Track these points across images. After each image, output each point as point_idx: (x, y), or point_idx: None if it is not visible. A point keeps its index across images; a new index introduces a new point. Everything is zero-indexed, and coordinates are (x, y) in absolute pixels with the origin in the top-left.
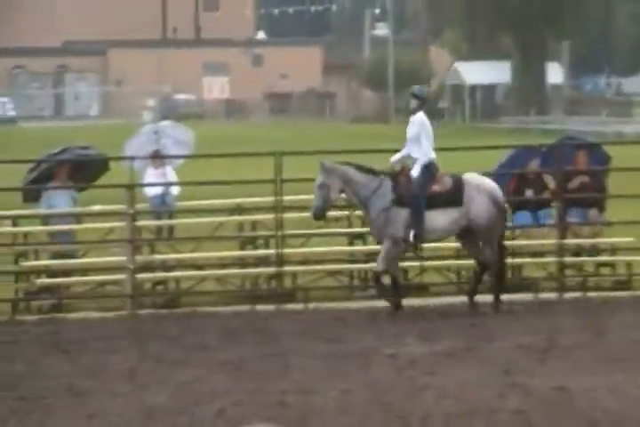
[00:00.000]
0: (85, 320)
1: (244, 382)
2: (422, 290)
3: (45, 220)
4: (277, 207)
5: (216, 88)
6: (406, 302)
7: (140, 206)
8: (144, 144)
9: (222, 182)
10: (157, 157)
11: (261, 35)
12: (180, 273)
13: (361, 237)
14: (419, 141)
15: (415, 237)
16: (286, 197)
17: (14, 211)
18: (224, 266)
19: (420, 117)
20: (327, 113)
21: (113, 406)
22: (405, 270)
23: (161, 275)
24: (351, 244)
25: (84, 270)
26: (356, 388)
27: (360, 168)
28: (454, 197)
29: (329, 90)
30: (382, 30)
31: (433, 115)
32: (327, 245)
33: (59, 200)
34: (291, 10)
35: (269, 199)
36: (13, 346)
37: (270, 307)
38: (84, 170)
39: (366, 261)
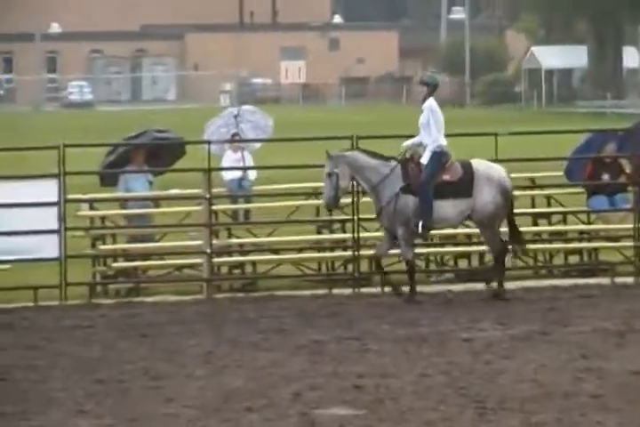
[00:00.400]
0: (162, 304)
1: (321, 366)
2: None
3: (123, 203)
4: (353, 191)
5: (293, 72)
6: (482, 286)
7: (217, 190)
8: (223, 127)
9: (299, 166)
10: (235, 141)
11: (338, 19)
12: (256, 257)
13: None
14: (429, 128)
15: (423, 226)
16: None
17: (92, 194)
18: (301, 250)
19: (429, 104)
20: (403, 97)
21: (190, 390)
22: (482, 254)
23: (238, 259)
24: None
25: (162, 254)
26: (433, 372)
27: (369, 154)
28: (464, 187)
29: (405, 74)
30: (458, 14)
31: (510, 99)
32: None
33: (136, 184)
34: None
35: None
36: (90, 330)
37: (347, 291)
38: (161, 154)
39: (442, 245)
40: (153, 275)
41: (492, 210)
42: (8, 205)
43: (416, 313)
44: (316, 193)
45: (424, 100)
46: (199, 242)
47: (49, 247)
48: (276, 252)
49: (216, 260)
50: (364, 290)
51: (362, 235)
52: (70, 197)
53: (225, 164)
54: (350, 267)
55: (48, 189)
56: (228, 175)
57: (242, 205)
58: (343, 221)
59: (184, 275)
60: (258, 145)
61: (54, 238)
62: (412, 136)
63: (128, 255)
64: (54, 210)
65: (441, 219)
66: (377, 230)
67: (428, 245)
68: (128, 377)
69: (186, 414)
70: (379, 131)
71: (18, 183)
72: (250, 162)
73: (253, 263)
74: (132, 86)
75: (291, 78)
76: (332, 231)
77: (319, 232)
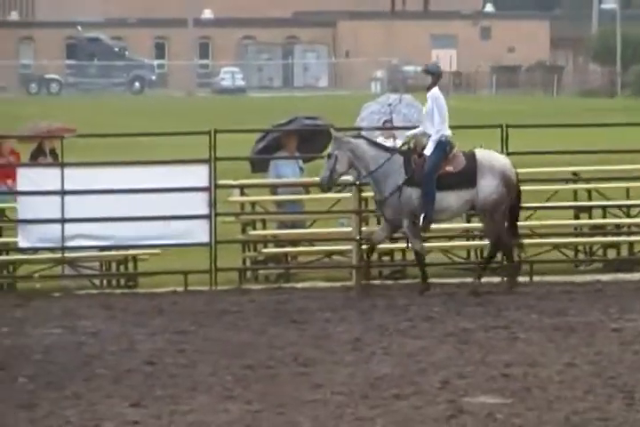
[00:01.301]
0: (312, 290)
1: (469, 354)
2: None
3: (273, 189)
4: None
5: (444, 60)
6: (631, 276)
7: None
8: (375, 114)
9: None
10: (385, 129)
11: (489, 7)
12: (404, 244)
13: (587, 210)
14: (433, 118)
15: (425, 218)
16: None
17: (242, 180)
18: (450, 238)
19: (433, 93)
20: (554, 87)
21: (338, 376)
22: (631, 244)
23: (387, 246)
24: (577, 217)
25: (311, 240)
26: (581, 361)
27: (371, 143)
28: (467, 177)
29: (557, 63)
30: (610, 4)
31: None
32: (553, 218)
33: (286, 170)
34: None
35: None
36: (240, 315)
37: (495, 279)
38: (311, 140)
39: (591, 235)
40: (302, 261)
41: (495, 199)
42: (160, 189)
43: (564, 303)
44: None
45: (428, 89)
46: (349, 229)
47: (199, 232)
48: (425, 239)
49: (365, 246)
50: None
51: None
52: (221, 182)
53: None
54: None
55: (199, 175)
56: None
57: None
58: None
59: (333, 261)
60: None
61: (205, 224)
62: (560, 125)
63: (278, 241)
64: (205, 195)
65: (444, 210)
66: (527, 219)
67: (577, 235)
68: (277, 363)
69: (334, 401)
70: (529, 120)
71: (169, 168)
72: None
73: (403, 251)
74: (284, 73)
75: (441, 66)
76: (482, 220)
77: (468, 220)
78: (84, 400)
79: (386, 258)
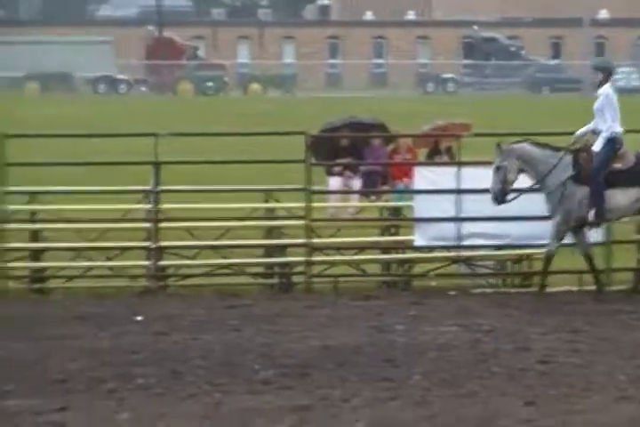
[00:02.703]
0: None
1: None
2: None
3: None
4: None
5: None
6: None
7: None
8: None
9: None
10: None
11: None
12: None
13: None
14: (604, 115)
15: (597, 215)
16: None
17: None
18: None
19: (604, 90)
20: None
21: None
22: None
23: None
24: None
25: None
26: None
27: (539, 145)
28: (636, 175)
29: None
30: None
31: None
32: None
33: None
34: None
35: None
36: (633, 315)
37: None
38: None
39: None
40: None
41: None
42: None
43: None
44: None
45: (599, 86)
46: None
47: (595, 232)
48: None
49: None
50: None
51: None
52: None
53: None
54: None
55: None
56: None
57: None
58: None
59: None
60: None
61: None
62: None
63: None
64: None
65: (613, 208)
66: None
67: None
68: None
69: None
70: None
71: None
72: None
73: None
74: None
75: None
76: None
77: None
78: (479, 398)
79: None
